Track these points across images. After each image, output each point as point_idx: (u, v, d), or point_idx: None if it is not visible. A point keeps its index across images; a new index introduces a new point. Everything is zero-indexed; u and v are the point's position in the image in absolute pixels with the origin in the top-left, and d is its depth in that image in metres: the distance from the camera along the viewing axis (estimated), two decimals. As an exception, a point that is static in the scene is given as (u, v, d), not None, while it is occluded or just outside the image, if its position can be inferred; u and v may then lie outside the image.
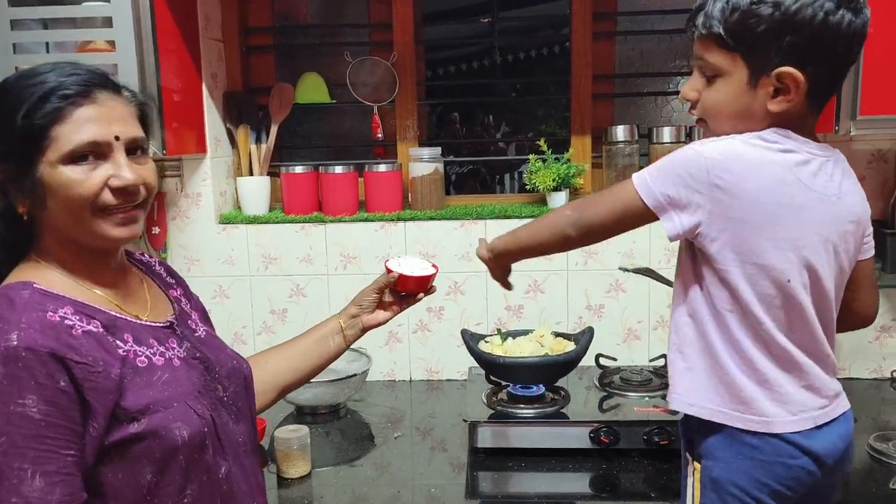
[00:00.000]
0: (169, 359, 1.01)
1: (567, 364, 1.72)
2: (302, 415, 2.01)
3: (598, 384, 1.91)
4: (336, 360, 1.34)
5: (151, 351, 0.99)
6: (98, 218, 0.96)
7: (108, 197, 0.95)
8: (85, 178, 0.93)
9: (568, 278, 2.14)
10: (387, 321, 1.34)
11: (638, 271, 1.81)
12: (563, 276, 2.14)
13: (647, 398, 1.81)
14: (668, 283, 1.80)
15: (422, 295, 1.34)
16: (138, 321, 1.02)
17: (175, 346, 1.04)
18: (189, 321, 1.14)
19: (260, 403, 1.22)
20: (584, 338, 1.77)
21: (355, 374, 1.96)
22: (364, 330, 1.34)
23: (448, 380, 2.20)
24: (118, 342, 0.96)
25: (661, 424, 1.65)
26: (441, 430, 1.88)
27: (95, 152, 0.94)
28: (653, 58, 2.34)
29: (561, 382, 1.84)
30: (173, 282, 1.23)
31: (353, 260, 2.16)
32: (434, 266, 1.34)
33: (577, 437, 1.67)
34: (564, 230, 1.22)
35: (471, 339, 1.78)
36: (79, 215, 0.95)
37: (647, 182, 1.13)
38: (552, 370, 1.73)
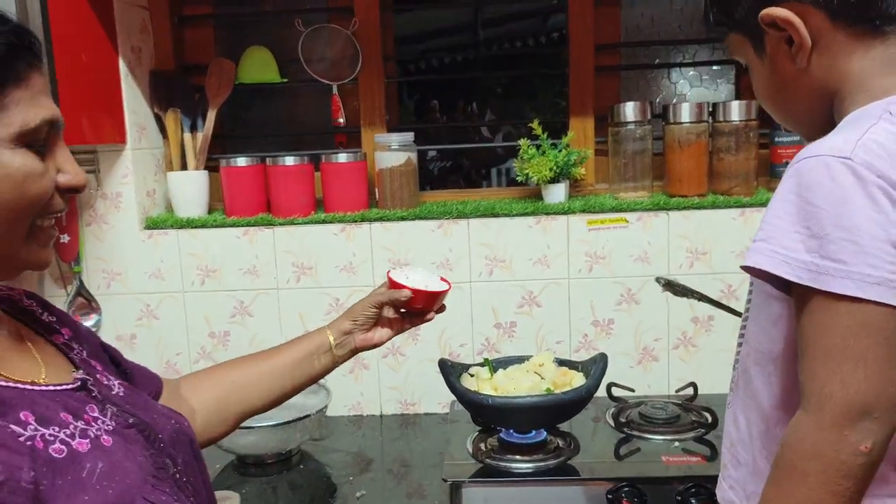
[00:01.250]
0: (95, 437, 0.71)
1: (575, 404, 1.32)
2: (244, 465, 1.60)
3: (612, 422, 1.51)
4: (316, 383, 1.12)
5: (67, 432, 0.69)
6: (31, 232, 0.72)
7: (58, 202, 0.73)
8: (43, 170, 0.70)
9: (569, 288, 1.74)
10: (383, 343, 1.13)
11: (681, 292, 1.41)
12: (564, 286, 1.74)
13: (676, 443, 1.41)
14: (727, 309, 1.48)
15: (433, 314, 1.14)
16: (35, 388, 0.71)
17: (97, 414, 0.73)
18: (98, 374, 0.82)
19: (213, 433, 1.01)
20: (596, 368, 1.37)
21: (309, 415, 1.56)
22: (355, 351, 1.12)
23: (427, 413, 1.80)
24: (15, 427, 0.65)
25: (699, 481, 1.25)
26: (418, 474, 1.49)
27: (41, 138, 0.70)
28: (665, 24, 1.94)
29: (566, 423, 1.45)
30: (54, 319, 0.85)
31: (307, 271, 1.76)
32: (446, 281, 1.14)
33: (590, 500, 1.27)
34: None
35: (451, 372, 1.38)
36: (15, 224, 0.69)
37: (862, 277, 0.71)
38: (556, 412, 1.33)
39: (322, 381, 1.71)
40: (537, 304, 1.75)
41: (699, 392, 1.60)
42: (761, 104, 0.96)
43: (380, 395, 1.80)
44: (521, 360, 1.49)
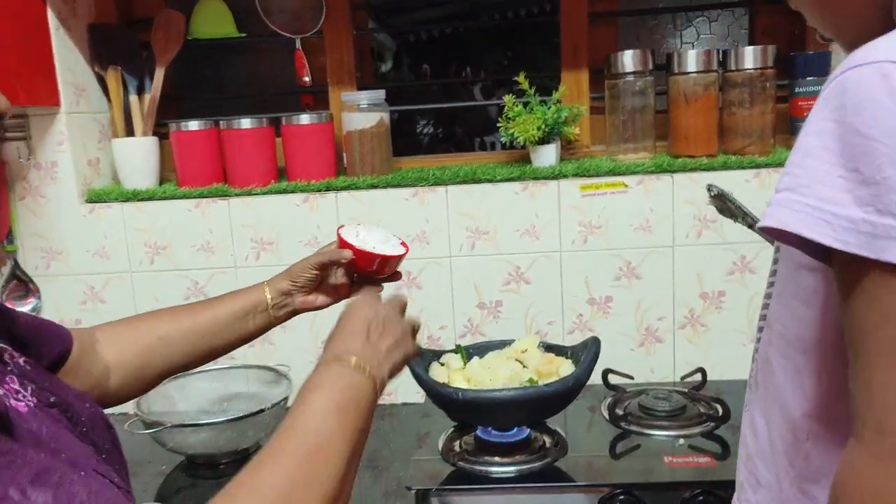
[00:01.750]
0: (26, 406, 0.61)
1: (561, 397, 1.12)
2: (194, 467, 1.42)
3: (607, 415, 1.32)
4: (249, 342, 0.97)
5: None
6: None
7: None
8: None
9: (561, 262, 1.54)
10: (327, 306, 0.99)
11: (731, 212, 1.16)
12: (555, 260, 1.54)
13: (681, 440, 1.21)
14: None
15: (381, 283, 0.97)
16: None
17: (18, 387, 0.63)
18: (7, 352, 0.70)
19: (128, 394, 0.91)
20: (587, 355, 1.16)
21: (264, 409, 1.37)
22: (295, 313, 0.99)
23: (405, 403, 1.60)
24: None
25: (708, 487, 1.06)
26: (395, 473, 1.30)
27: None
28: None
29: (556, 416, 1.25)
30: None
31: (268, 246, 1.56)
32: (404, 244, 0.99)
33: (580, 510, 1.09)
34: None
35: (417, 362, 1.18)
36: None
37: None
38: (538, 407, 1.13)
39: (284, 369, 1.54)
40: (525, 281, 1.55)
41: (708, 379, 1.39)
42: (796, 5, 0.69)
43: (352, 384, 1.61)
44: (501, 345, 1.29)
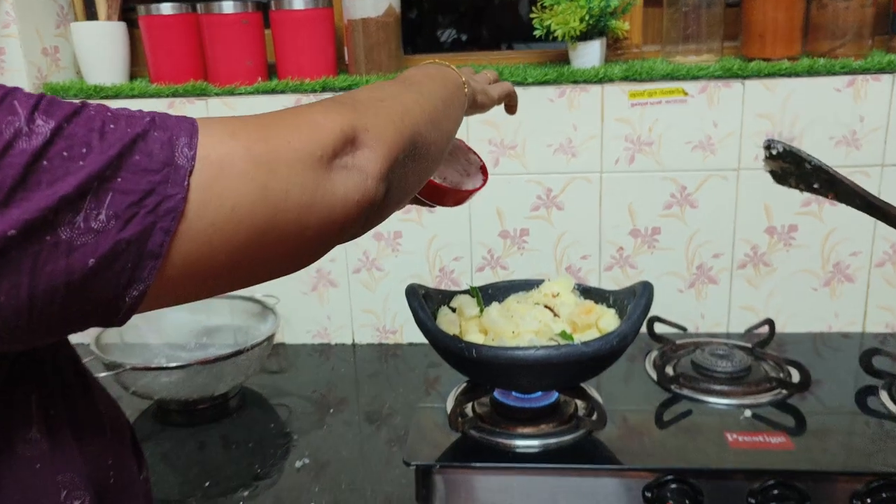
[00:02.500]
0: None
1: (603, 359, 0.88)
2: (165, 413, 1.22)
3: (653, 374, 1.08)
4: None
5: None
6: None
7: None
8: None
9: (602, 185, 1.28)
10: None
11: (801, 178, 0.84)
12: (595, 182, 1.28)
13: (746, 410, 0.98)
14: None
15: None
16: None
17: None
18: None
19: None
20: (636, 305, 0.91)
21: (241, 350, 1.15)
22: None
23: (411, 344, 1.38)
24: None
25: (784, 477, 0.83)
26: (397, 426, 1.09)
27: None
28: None
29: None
30: None
31: (253, 157, 1.32)
32: (483, 170, 0.85)
33: (620, 498, 0.86)
34: None
35: (422, 305, 0.94)
36: None
37: None
38: (572, 370, 0.88)
39: (271, 301, 1.32)
40: (557, 207, 1.29)
41: (776, 331, 1.15)
42: None
43: (351, 320, 1.39)
44: (527, 286, 1.05)
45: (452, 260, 1.33)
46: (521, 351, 0.84)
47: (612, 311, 0.96)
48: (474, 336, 0.92)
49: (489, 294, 1.03)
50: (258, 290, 1.33)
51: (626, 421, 0.97)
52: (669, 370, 1.07)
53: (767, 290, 1.29)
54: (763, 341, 1.13)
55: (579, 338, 0.90)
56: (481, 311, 0.98)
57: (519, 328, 0.90)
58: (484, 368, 0.88)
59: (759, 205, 1.25)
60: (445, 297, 1.02)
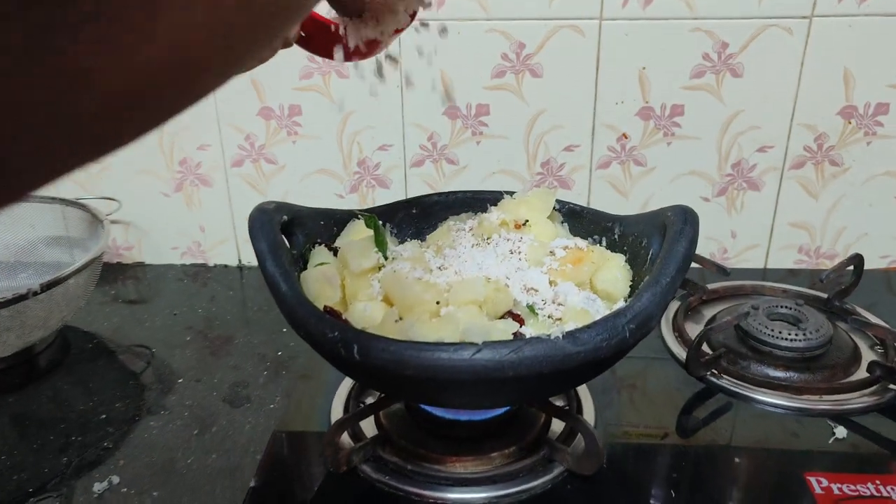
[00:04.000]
0: None
1: (603, 362, 0.47)
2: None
3: (679, 350, 0.68)
4: None
5: None
6: None
7: None
8: None
9: (600, 39, 0.83)
10: None
11: None
12: (590, 34, 0.82)
13: (837, 428, 0.59)
14: None
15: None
16: None
17: None
18: None
19: None
20: (670, 254, 0.49)
21: (24, 295, 0.72)
22: None
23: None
24: None
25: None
26: (303, 366, 0.70)
27: None
28: None
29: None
30: None
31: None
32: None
33: None
34: None
35: (273, 248, 0.49)
36: None
37: None
38: (549, 382, 0.46)
39: (111, 206, 0.88)
40: (532, 72, 0.84)
41: (865, 269, 0.74)
42: None
43: (235, 233, 0.96)
44: (473, 203, 0.62)
45: (378, 149, 0.89)
46: (447, 354, 0.42)
47: (619, 258, 0.54)
48: (365, 311, 0.50)
49: (402, 226, 0.60)
50: (104, 189, 0.90)
51: (631, 448, 0.57)
52: (708, 342, 0.66)
53: (832, 198, 0.88)
54: (844, 289, 0.72)
55: (567, 324, 0.48)
56: (384, 257, 0.54)
57: (450, 298, 0.48)
58: (378, 378, 0.46)
59: (835, 72, 0.82)
60: (332, 222, 0.58)
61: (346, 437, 0.54)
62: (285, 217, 0.53)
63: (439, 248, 0.53)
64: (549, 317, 0.49)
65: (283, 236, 0.51)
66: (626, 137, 0.86)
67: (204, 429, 0.69)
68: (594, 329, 0.43)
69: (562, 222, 0.61)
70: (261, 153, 0.90)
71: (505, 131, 0.87)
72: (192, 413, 0.71)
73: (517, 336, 0.46)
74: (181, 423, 0.70)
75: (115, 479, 0.63)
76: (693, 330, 0.68)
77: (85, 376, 0.78)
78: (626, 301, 0.51)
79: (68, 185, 0.93)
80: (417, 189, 0.90)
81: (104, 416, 0.71)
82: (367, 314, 0.48)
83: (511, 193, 0.61)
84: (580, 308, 0.48)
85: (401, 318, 0.47)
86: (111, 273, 0.97)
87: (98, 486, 0.62)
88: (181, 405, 0.72)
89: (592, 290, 0.52)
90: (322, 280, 0.49)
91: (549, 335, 0.43)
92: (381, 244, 0.54)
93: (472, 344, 0.42)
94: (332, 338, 0.44)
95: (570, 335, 0.43)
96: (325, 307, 0.48)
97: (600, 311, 0.49)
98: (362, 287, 0.50)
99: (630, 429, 0.58)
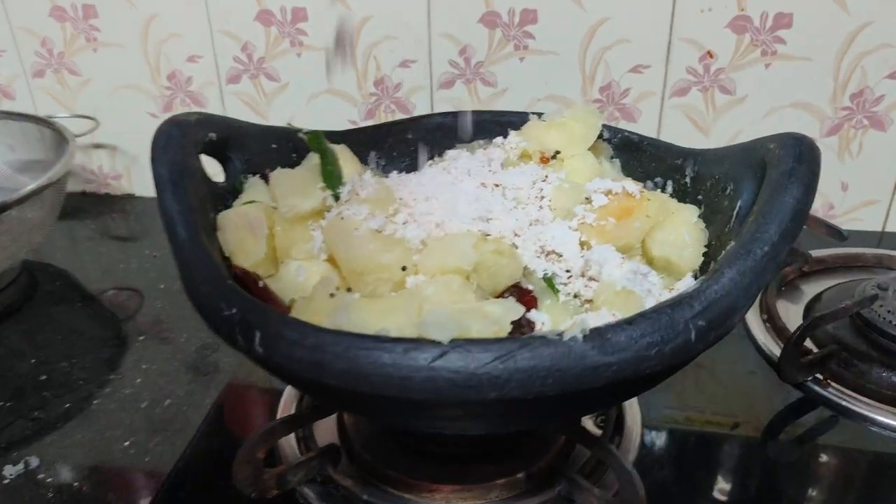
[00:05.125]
0: None
1: (652, 378, 0.30)
2: None
3: (768, 348, 0.50)
4: None
5: None
6: None
7: None
8: None
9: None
10: None
11: None
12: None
13: None
14: None
15: None
16: None
17: None
18: None
19: None
20: (772, 206, 0.31)
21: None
22: None
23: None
24: None
25: None
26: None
27: None
28: None
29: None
30: None
31: None
32: None
33: None
34: None
35: (176, 176, 0.34)
36: None
37: None
38: (564, 404, 0.30)
39: (85, 126, 0.74)
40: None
41: None
42: None
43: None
44: (489, 127, 0.45)
45: (398, 66, 0.72)
46: (390, 358, 0.26)
47: (690, 209, 0.37)
48: (299, 275, 0.33)
49: (403, 148, 0.43)
50: (82, 106, 0.77)
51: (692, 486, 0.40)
52: (818, 337, 0.47)
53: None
54: None
55: (595, 299, 0.31)
56: (333, 197, 0.37)
57: (422, 262, 0.32)
58: (294, 382, 0.30)
59: None
60: (291, 145, 0.42)
61: (291, 445, 0.39)
62: (212, 135, 0.37)
63: (422, 187, 0.36)
64: (574, 296, 0.32)
65: (199, 161, 0.35)
66: (710, 57, 0.66)
67: (155, 401, 0.55)
68: (638, 327, 0.26)
69: (611, 157, 0.43)
70: (260, 67, 0.74)
71: (555, 45, 0.68)
72: (147, 379, 0.58)
73: (516, 330, 0.29)
74: (130, 392, 0.56)
75: (34, 462, 0.50)
76: (788, 313, 0.50)
77: (37, 325, 0.65)
78: (695, 278, 0.34)
79: (43, 101, 0.80)
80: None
81: (44, 376, 0.58)
82: (300, 281, 0.32)
83: (539, 115, 0.43)
84: (622, 287, 0.31)
85: (349, 290, 0.31)
86: (96, 205, 0.84)
87: (9, 470, 0.49)
88: (136, 368, 0.59)
89: (645, 259, 0.35)
90: (242, 227, 0.33)
91: (561, 333, 0.26)
92: (330, 176, 0.37)
93: (432, 343, 0.25)
94: (228, 317, 0.28)
95: (596, 335, 0.26)
96: (235, 268, 0.32)
97: (654, 292, 0.32)
98: (298, 239, 0.34)
99: (685, 457, 0.40)
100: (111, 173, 0.84)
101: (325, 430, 0.41)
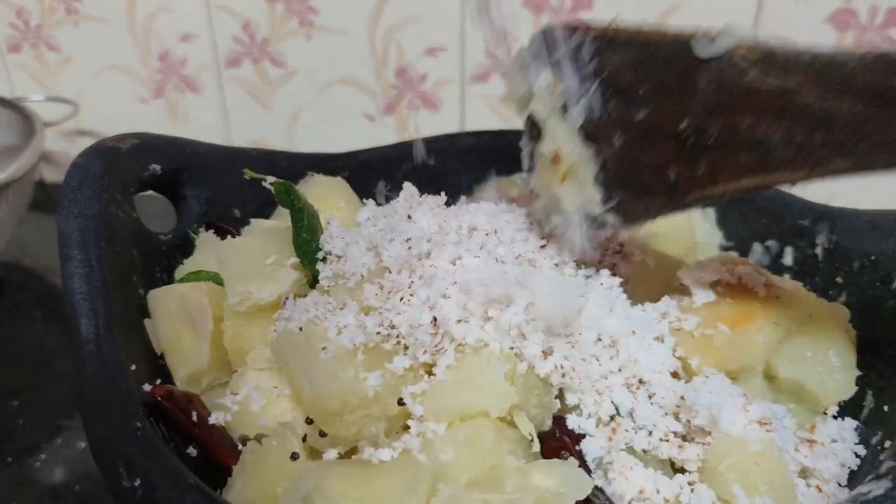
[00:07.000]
0: None
1: None
2: None
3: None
4: None
5: None
6: None
7: None
8: None
9: None
10: None
11: None
12: None
13: None
14: None
15: None
16: None
17: None
18: None
19: None
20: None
21: None
22: None
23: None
24: None
25: None
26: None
27: None
28: None
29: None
30: None
31: None
32: None
33: None
34: None
35: (82, 254, 0.24)
36: None
37: None
38: None
39: (62, 114, 0.63)
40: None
41: None
42: None
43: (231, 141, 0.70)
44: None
45: (425, 54, 0.60)
46: None
47: (838, 311, 0.24)
48: (252, 398, 0.22)
49: (419, 179, 0.31)
50: (63, 88, 0.66)
51: None
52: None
53: None
54: None
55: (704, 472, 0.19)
56: (310, 273, 0.25)
57: (427, 397, 0.20)
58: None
59: None
60: (266, 173, 0.30)
61: None
62: (155, 167, 0.26)
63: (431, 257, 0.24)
64: (662, 462, 0.20)
65: (130, 207, 0.24)
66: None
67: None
68: None
69: (703, 205, 0.31)
70: (264, 50, 0.62)
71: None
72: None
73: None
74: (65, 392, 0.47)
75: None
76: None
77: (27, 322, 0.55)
78: (839, 416, 0.22)
79: (21, 80, 0.69)
80: (480, 115, 0.61)
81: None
82: (255, 411, 0.21)
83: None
84: (756, 463, 0.19)
85: (322, 434, 0.20)
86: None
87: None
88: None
89: (770, 384, 0.23)
90: (178, 318, 0.22)
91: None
92: (304, 246, 0.24)
93: None
94: (128, 490, 0.17)
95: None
96: (156, 389, 0.21)
97: (787, 445, 0.20)
98: (256, 340, 0.22)
99: None
100: (97, 164, 0.73)
101: None
